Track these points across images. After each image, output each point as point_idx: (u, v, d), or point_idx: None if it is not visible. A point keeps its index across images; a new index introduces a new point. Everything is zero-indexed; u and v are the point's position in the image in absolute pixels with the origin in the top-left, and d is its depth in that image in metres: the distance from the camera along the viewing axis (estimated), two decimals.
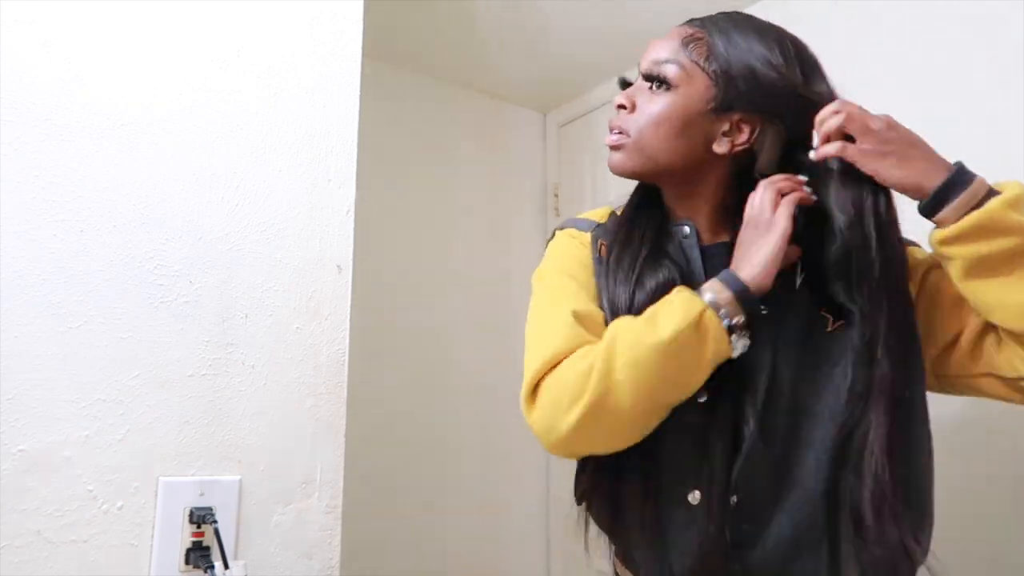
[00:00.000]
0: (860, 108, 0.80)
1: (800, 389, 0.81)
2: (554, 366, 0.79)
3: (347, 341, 1.12)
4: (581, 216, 0.98)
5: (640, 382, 0.75)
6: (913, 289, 0.85)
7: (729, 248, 0.85)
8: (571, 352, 0.79)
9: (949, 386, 0.86)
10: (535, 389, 0.80)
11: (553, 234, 0.98)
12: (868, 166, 0.78)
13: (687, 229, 0.88)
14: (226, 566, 0.94)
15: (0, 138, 0.90)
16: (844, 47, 1.58)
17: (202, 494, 0.97)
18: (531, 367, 0.80)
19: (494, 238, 2.22)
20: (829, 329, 0.82)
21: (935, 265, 0.85)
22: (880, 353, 0.80)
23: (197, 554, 0.94)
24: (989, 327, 0.80)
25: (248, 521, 1.00)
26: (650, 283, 0.84)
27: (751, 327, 0.78)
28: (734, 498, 0.80)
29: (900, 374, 0.80)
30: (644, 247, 0.87)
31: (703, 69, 0.84)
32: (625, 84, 0.92)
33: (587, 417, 0.75)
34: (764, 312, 0.79)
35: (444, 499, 1.98)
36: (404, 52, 2.03)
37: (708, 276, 0.84)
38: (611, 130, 0.89)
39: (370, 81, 1.28)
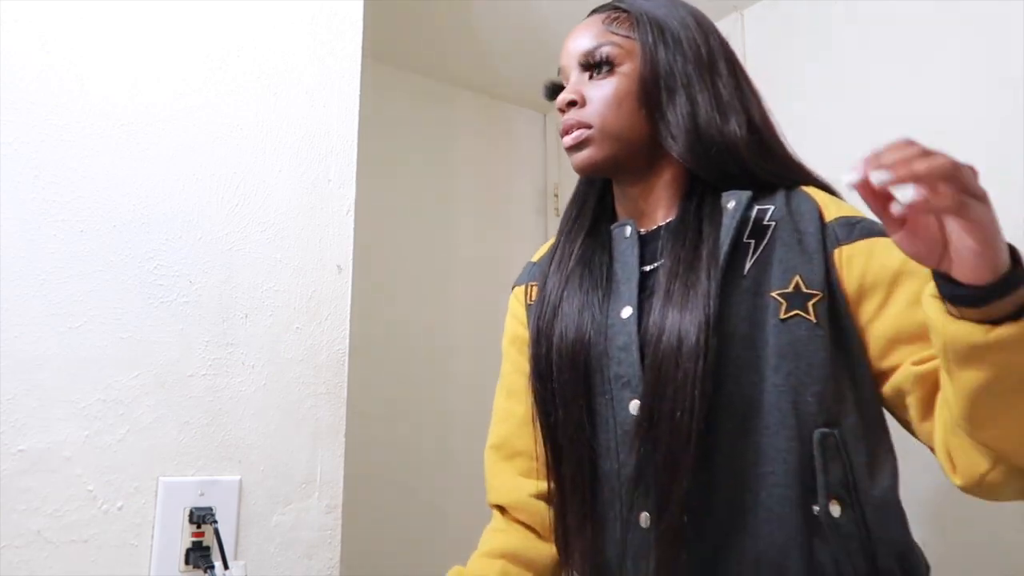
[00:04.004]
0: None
1: (750, 388, 0.74)
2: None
3: (347, 341, 1.12)
4: (529, 260, 1.00)
5: None
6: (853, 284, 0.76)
7: (670, 228, 0.84)
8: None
9: None
10: None
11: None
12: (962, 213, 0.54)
13: (628, 230, 0.86)
14: (226, 566, 0.94)
15: (0, 138, 0.90)
16: (842, 47, 1.58)
17: (202, 494, 0.97)
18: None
19: (494, 238, 2.22)
20: (783, 316, 0.74)
21: (897, 277, 0.75)
22: (852, 352, 0.74)
23: (197, 554, 0.94)
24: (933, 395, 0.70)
25: (248, 521, 1.00)
26: (566, 304, 0.84)
27: None
28: (684, 517, 0.72)
29: (867, 379, 0.75)
30: (565, 269, 0.87)
31: (634, 39, 0.85)
32: (555, 89, 0.91)
33: None
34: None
35: (444, 499, 1.97)
36: (404, 52, 2.03)
37: (644, 262, 0.83)
38: (566, 132, 0.86)
39: (370, 81, 1.28)
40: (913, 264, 0.63)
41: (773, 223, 0.79)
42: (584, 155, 0.85)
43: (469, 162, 2.21)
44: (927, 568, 0.77)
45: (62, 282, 0.92)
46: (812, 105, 1.61)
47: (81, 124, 0.96)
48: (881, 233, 0.74)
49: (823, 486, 0.71)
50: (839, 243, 0.76)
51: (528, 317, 0.92)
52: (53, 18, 0.96)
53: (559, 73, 0.91)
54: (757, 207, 0.80)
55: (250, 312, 1.04)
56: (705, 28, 0.87)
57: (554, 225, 2.32)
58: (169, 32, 1.04)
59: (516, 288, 0.99)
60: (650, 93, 0.84)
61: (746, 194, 0.80)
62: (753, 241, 0.78)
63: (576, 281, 0.85)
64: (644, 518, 0.76)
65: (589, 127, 0.84)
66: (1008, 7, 1.31)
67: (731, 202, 0.80)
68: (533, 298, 0.91)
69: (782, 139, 0.88)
